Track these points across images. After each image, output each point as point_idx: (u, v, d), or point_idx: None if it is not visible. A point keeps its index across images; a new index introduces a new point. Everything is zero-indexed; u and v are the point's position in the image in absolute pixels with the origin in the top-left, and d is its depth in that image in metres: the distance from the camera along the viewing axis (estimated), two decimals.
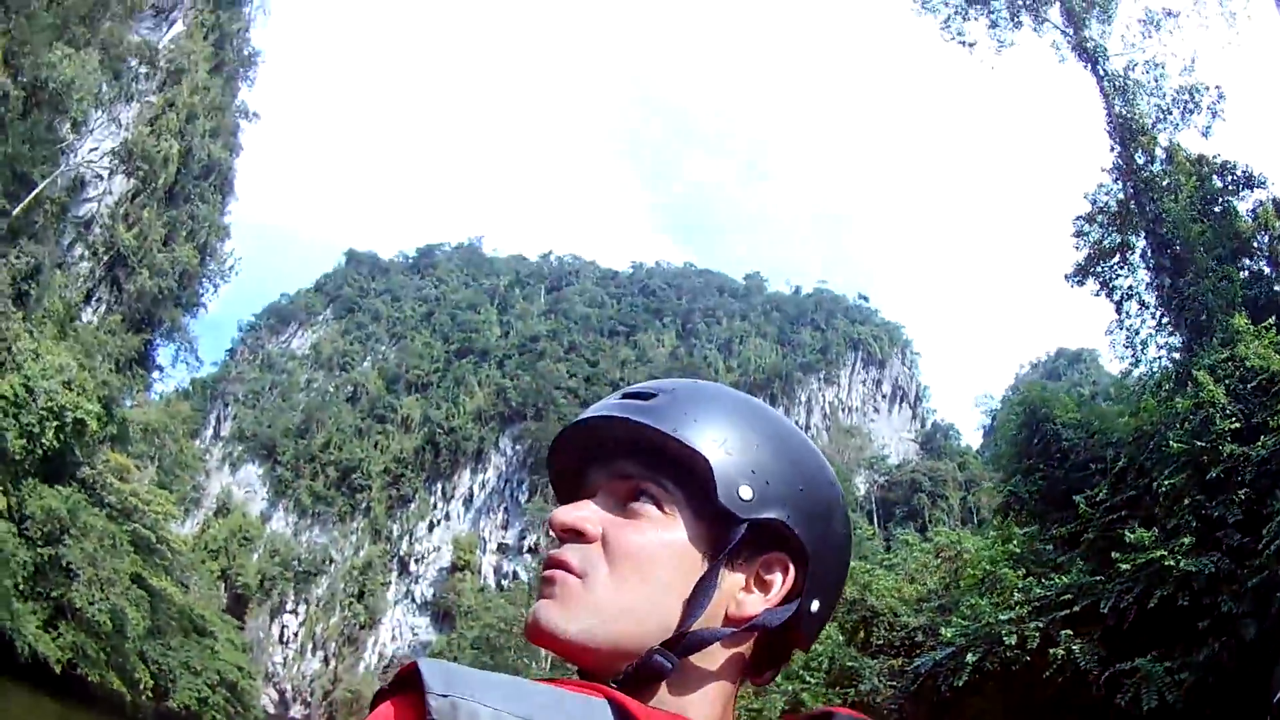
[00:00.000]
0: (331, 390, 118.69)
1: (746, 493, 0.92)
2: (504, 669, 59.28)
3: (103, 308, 45.17)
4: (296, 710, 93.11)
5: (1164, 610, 14.69)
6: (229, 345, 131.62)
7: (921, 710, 19.80)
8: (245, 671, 54.93)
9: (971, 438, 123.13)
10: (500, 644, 64.75)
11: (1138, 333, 25.03)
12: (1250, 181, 23.48)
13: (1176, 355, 21.72)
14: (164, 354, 52.68)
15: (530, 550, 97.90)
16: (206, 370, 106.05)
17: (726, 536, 0.92)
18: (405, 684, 0.77)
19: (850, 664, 21.84)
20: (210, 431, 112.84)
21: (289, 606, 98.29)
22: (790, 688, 21.59)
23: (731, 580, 0.94)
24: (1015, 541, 20.81)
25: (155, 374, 53.09)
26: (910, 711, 20.22)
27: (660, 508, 0.94)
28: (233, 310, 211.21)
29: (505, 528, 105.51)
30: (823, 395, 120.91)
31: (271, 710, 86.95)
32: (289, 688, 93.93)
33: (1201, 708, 13.67)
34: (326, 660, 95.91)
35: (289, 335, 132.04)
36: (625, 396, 1.00)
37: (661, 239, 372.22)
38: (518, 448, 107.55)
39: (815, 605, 0.98)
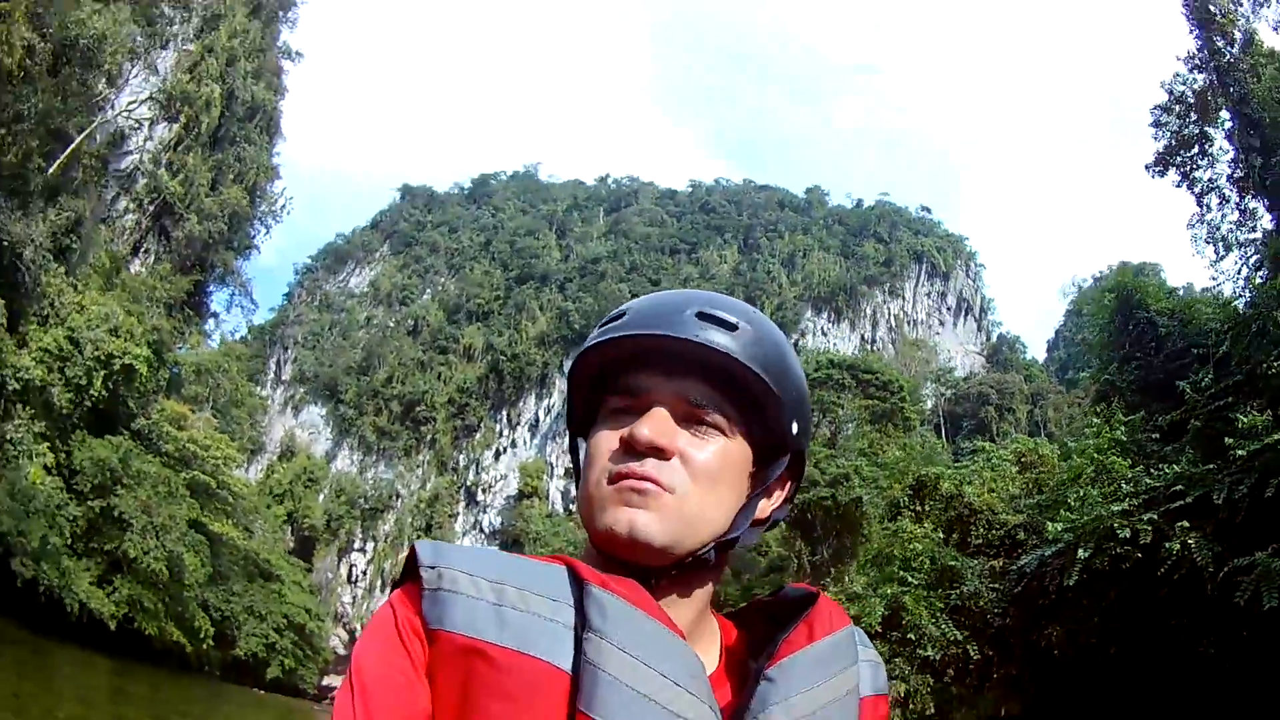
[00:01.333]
0: (392, 325, 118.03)
1: (794, 428, 1.10)
2: None
3: (151, 258, 44.91)
4: None
5: None
6: (285, 290, 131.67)
7: (1025, 613, 19.38)
8: (313, 613, 55.40)
9: (1036, 351, 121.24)
10: None
11: (1219, 226, 24.56)
12: None
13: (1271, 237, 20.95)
14: (219, 300, 51.95)
15: None
16: (264, 317, 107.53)
17: (775, 459, 1.10)
18: (411, 567, 0.94)
19: (951, 563, 21.36)
20: (271, 376, 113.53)
21: (356, 545, 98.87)
22: (890, 591, 21.14)
23: None
24: (1121, 431, 20.20)
25: (211, 321, 52.77)
26: (1014, 615, 19.80)
27: (723, 431, 1.06)
28: (290, 258, 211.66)
29: None
30: (887, 308, 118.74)
31: (342, 651, 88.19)
32: (358, 627, 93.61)
33: None
34: None
35: (346, 275, 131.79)
36: (702, 316, 1.06)
37: (718, 163, 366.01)
38: None
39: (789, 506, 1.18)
